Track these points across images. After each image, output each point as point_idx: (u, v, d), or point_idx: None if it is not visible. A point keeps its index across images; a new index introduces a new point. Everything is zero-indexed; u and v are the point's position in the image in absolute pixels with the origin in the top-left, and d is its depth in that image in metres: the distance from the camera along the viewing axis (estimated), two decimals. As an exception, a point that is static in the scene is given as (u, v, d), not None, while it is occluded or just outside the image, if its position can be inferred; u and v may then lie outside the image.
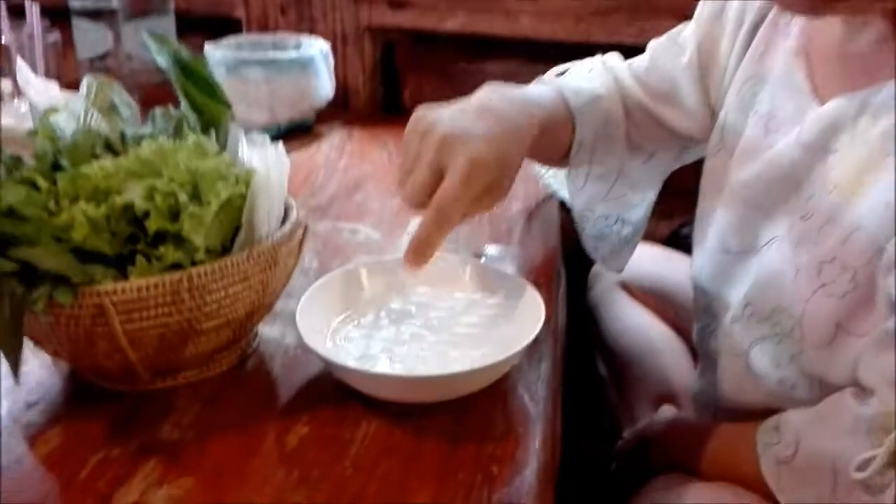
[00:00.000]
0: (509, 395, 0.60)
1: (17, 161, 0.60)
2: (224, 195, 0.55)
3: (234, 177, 0.57)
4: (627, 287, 1.10)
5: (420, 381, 0.57)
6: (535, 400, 0.60)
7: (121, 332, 0.53)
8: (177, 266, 0.54)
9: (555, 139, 0.80)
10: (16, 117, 1.01)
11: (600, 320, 1.09)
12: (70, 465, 0.53)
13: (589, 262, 1.19)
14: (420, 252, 0.62)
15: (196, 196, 0.56)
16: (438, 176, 0.62)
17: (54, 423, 0.57)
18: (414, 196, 0.63)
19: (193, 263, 0.55)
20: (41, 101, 1.01)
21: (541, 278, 0.77)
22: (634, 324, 1.04)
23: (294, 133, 1.23)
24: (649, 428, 0.88)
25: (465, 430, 0.56)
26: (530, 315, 0.63)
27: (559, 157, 0.84)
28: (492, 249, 0.85)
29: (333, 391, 0.60)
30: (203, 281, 0.54)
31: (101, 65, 1.31)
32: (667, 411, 0.92)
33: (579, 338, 1.10)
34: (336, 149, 1.19)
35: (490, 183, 0.63)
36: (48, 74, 1.27)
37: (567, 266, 0.89)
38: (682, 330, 1.04)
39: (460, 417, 0.58)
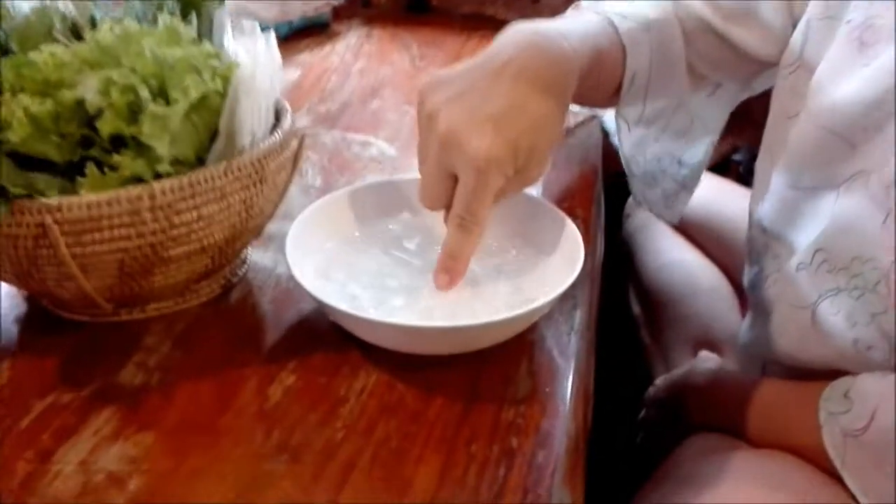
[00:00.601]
0: (535, 349, 0.51)
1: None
2: (195, 93, 0.44)
3: (210, 71, 0.46)
4: (670, 217, 0.99)
5: (427, 333, 0.47)
6: (565, 355, 0.51)
7: (68, 256, 0.44)
8: (138, 180, 0.44)
9: (602, 77, 0.65)
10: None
11: (636, 253, 0.98)
12: (12, 410, 0.45)
13: (627, 187, 1.08)
14: (451, 269, 0.51)
15: (163, 94, 0.45)
16: (450, 176, 0.50)
17: (3, 356, 0.49)
18: (427, 199, 0.52)
19: (158, 177, 0.45)
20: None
21: (578, 209, 0.66)
22: (675, 259, 0.94)
23: (307, 31, 1.11)
24: (687, 377, 0.78)
25: (482, 390, 0.47)
26: (566, 254, 0.53)
27: (607, 96, 0.69)
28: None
29: (329, 334, 0.51)
30: (168, 199, 0.44)
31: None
32: (707, 359, 0.83)
33: (612, 271, 1.00)
34: (352, 50, 1.06)
35: (520, 167, 0.51)
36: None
37: (604, 191, 0.78)
38: (728, 269, 0.93)
39: (477, 373, 0.48)
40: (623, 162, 0.75)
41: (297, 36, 1.09)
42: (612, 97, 0.69)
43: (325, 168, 0.74)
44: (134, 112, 0.44)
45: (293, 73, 0.96)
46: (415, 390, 0.47)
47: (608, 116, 0.84)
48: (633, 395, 0.88)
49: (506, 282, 0.54)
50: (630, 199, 1.07)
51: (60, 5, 0.54)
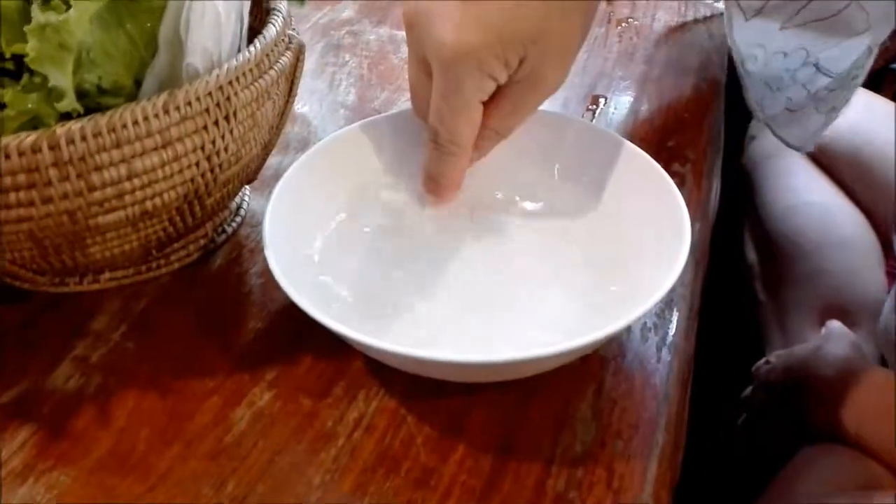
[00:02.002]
0: (608, 372, 0.36)
1: None
2: (109, -9, 0.29)
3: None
4: (805, 144, 0.78)
5: (454, 365, 0.32)
6: (652, 383, 0.35)
7: (-47, 227, 0.31)
8: (39, 122, 0.31)
9: None
10: None
11: (760, 188, 0.79)
12: None
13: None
14: (433, 190, 0.40)
15: (76, -9, 0.30)
16: (427, 71, 0.36)
17: (-84, 336, 0.39)
18: (413, 102, 0.40)
19: (66, 119, 0.31)
20: None
21: (689, 149, 0.49)
22: (808, 201, 0.74)
23: None
24: (809, 362, 0.62)
25: (522, 437, 0.33)
26: (660, 242, 0.36)
27: None
28: (616, 95, 0.56)
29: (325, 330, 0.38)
30: (80, 150, 0.31)
31: None
32: (837, 336, 0.65)
33: (725, 209, 0.81)
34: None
35: (518, 67, 0.35)
36: None
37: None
38: (875, 217, 0.73)
39: (518, 408, 0.34)
40: (736, 59, 0.55)
41: None
42: None
43: (362, 78, 0.59)
44: (27, 20, 0.30)
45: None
46: (429, 429, 0.33)
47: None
48: (740, 360, 0.72)
49: (572, 276, 0.38)
50: (756, 118, 0.86)
51: None
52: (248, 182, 0.43)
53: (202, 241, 0.42)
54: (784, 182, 0.76)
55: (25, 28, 0.29)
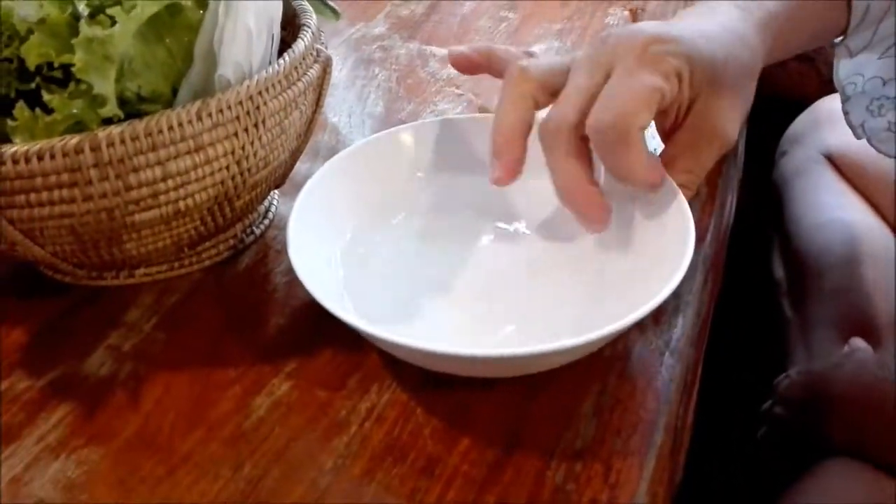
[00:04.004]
0: (612, 373, 0.37)
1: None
2: (148, 8, 0.32)
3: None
4: (837, 160, 0.78)
5: (466, 359, 0.34)
6: (655, 380, 0.37)
7: (2, 219, 0.34)
8: (83, 126, 0.34)
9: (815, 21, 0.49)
10: None
11: (789, 203, 0.79)
12: (-42, 398, 0.38)
13: (782, 116, 0.87)
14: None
15: (118, 4, 0.33)
16: (598, 82, 0.38)
17: (-34, 322, 0.42)
18: (553, 116, 0.39)
19: (107, 123, 0.34)
20: None
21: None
22: (837, 218, 0.74)
23: None
24: (830, 378, 0.62)
25: (527, 430, 0.34)
26: (668, 243, 0.37)
27: (822, 40, 0.53)
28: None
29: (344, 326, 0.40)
30: (119, 152, 0.33)
31: None
32: (859, 354, 0.65)
33: (755, 222, 0.81)
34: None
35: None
36: None
37: (752, 120, 0.59)
38: (899, 231, 0.73)
39: (525, 402, 0.36)
40: (837, 85, 0.57)
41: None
42: (829, 39, 0.53)
43: (390, 91, 0.61)
44: (77, 32, 0.33)
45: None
46: (437, 421, 0.35)
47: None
48: (763, 373, 0.72)
49: (580, 279, 0.40)
50: (789, 131, 0.86)
51: None
52: (277, 186, 0.45)
53: (231, 241, 0.45)
54: (813, 198, 0.76)
55: (73, 41, 0.32)
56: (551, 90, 0.39)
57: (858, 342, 0.66)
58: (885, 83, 0.55)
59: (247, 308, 0.42)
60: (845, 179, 0.76)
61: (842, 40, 0.52)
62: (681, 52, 0.38)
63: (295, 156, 0.44)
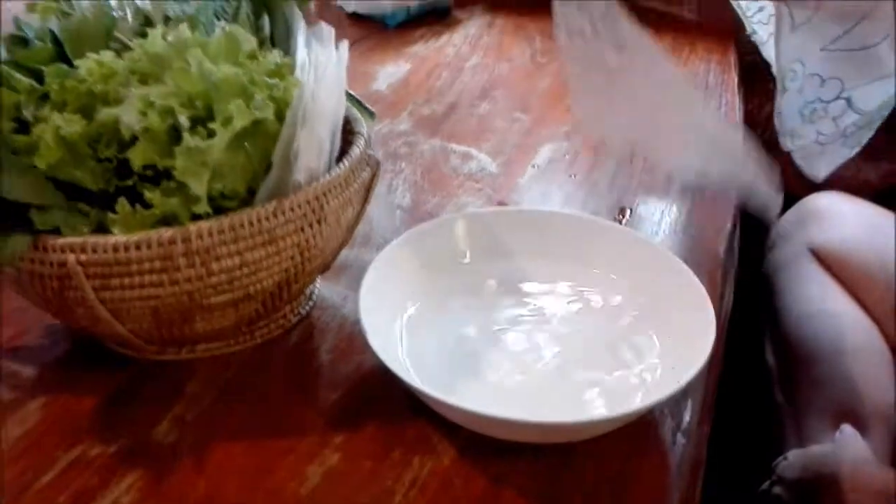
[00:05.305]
0: (631, 446, 0.41)
1: (19, 43, 0.46)
2: (240, 122, 0.37)
3: (264, 93, 0.39)
4: (822, 255, 0.84)
5: (515, 425, 0.39)
6: (668, 457, 0.41)
7: (96, 300, 0.39)
8: (173, 219, 0.39)
9: None
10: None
11: (779, 294, 0.84)
12: (36, 461, 0.41)
13: (780, 215, 0.93)
14: None
15: (211, 118, 0.39)
16: None
17: (39, 391, 0.45)
18: None
19: (196, 218, 0.39)
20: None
21: (707, 262, 0.55)
22: (824, 310, 0.79)
23: (427, 18, 1.03)
24: (824, 464, 0.66)
25: (557, 496, 0.38)
26: (690, 329, 0.43)
27: None
28: (641, 207, 0.63)
29: (386, 398, 0.44)
30: (206, 243, 0.38)
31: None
32: (849, 441, 0.69)
33: (746, 310, 0.87)
34: (470, 41, 0.98)
35: None
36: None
37: (743, 215, 0.66)
38: (885, 325, 0.78)
39: (559, 471, 0.40)
40: (777, 75, 0.59)
41: (415, 23, 1.02)
42: None
43: (416, 184, 0.67)
44: (175, 139, 0.38)
45: (401, 69, 0.89)
46: (474, 490, 0.39)
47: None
48: (757, 456, 0.76)
49: (613, 356, 0.45)
50: (777, 227, 0.92)
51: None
52: (322, 272, 0.50)
53: (282, 321, 0.49)
54: (800, 290, 0.82)
55: (176, 148, 0.37)
56: None
57: (848, 429, 0.71)
58: (823, 82, 0.57)
59: (297, 382, 0.46)
60: (830, 273, 0.82)
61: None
62: None
63: (342, 245, 0.49)
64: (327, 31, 0.47)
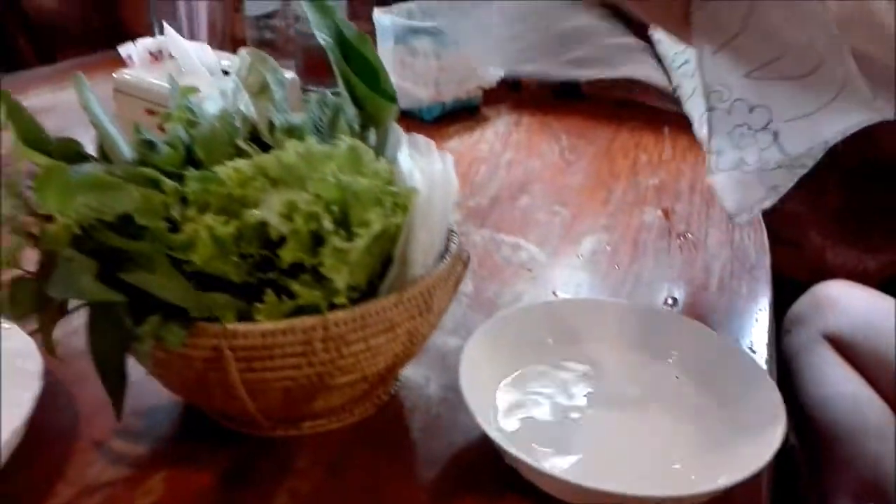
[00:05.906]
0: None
1: (147, 147, 0.52)
2: (377, 226, 0.43)
3: (391, 200, 0.46)
4: (834, 341, 0.90)
5: (615, 497, 0.43)
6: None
7: (238, 381, 0.43)
8: (311, 308, 0.44)
9: None
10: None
11: (796, 377, 0.90)
12: (169, 528, 0.45)
13: (787, 297, 1.00)
14: None
15: (344, 222, 0.45)
16: None
17: (160, 466, 0.49)
18: None
19: (332, 306, 0.44)
20: (189, 66, 0.94)
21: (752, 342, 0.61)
22: (841, 392, 0.85)
23: (458, 114, 1.12)
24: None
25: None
26: (754, 405, 0.49)
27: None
28: (681, 295, 0.70)
29: (484, 471, 0.48)
30: (341, 330, 0.44)
31: (266, 23, 1.25)
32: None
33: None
34: (501, 138, 1.06)
35: None
36: (213, 30, 1.22)
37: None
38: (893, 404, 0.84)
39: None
40: (703, 93, 0.51)
41: (448, 118, 1.10)
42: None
43: (474, 273, 0.72)
44: (315, 239, 0.44)
45: (444, 163, 0.96)
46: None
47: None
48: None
49: (683, 424, 0.51)
50: (792, 310, 0.99)
51: (242, 108, 0.56)
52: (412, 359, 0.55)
53: (376, 400, 0.54)
54: (818, 375, 0.88)
55: (322, 249, 0.43)
56: None
57: (872, 507, 0.76)
58: (751, 110, 0.50)
59: (394, 458, 0.51)
60: (844, 357, 0.88)
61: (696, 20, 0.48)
62: None
63: (431, 334, 0.54)
64: (424, 142, 0.53)
